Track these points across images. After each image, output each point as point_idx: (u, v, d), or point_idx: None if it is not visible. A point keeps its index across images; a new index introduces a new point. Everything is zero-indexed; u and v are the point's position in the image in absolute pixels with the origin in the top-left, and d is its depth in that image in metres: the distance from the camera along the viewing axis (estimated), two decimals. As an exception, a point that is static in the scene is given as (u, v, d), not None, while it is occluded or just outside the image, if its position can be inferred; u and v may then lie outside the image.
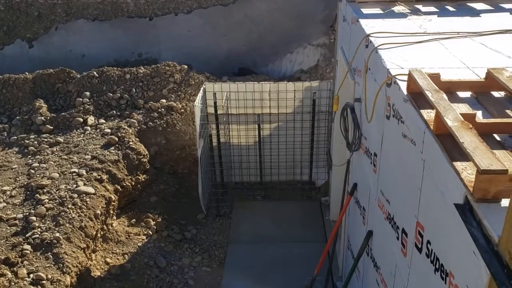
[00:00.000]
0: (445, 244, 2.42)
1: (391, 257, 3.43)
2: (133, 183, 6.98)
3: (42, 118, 7.52)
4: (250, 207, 7.90)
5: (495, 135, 2.44)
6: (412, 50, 3.81)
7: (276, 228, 7.35)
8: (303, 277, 6.16)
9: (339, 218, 5.35)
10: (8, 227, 5.57)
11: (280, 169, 7.96)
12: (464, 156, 2.20)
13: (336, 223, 5.46)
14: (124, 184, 6.75)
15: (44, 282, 4.86)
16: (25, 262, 5.06)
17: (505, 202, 1.95)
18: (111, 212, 6.44)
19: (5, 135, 7.44)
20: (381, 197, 3.76)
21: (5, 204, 5.94)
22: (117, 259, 6.14)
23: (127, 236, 6.57)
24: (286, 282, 6.24)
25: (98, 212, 5.99)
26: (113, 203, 6.41)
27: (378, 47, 3.82)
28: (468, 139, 2.17)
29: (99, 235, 6.07)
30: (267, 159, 7.90)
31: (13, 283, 4.80)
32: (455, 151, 2.32)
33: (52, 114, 7.64)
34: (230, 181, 8.10)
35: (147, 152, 7.31)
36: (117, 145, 7.02)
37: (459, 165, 2.22)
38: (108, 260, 6.05)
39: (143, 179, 7.18)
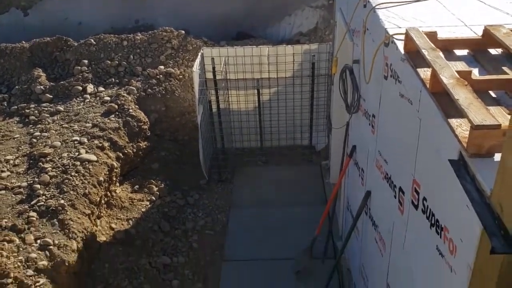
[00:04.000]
0: (440, 199, 2.47)
1: (389, 215, 3.51)
2: (134, 150, 7.04)
3: (41, 87, 7.51)
4: (251, 172, 7.98)
5: (491, 92, 2.46)
6: (410, 9, 3.77)
7: (277, 192, 7.45)
8: (305, 238, 6.30)
9: (338, 179, 5.42)
10: (13, 195, 5.66)
11: (280, 134, 8.00)
12: (459, 113, 2.22)
13: (336, 185, 5.54)
14: (126, 151, 6.81)
15: (51, 247, 4.98)
16: (32, 229, 5.17)
17: (498, 157, 1.98)
18: (114, 179, 6.53)
19: (5, 105, 7.45)
20: (379, 157, 3.80)
21: (9, 173, 6.02)
22: (122, 224, 6.27)
23: (130, 202, 6.68)
24: (287, 242, 6.38)
25: (101, 179, 6.08)
26: (115, 170, 6.49)
27: (376, 7, 3.77)
28: (463, 96, 2.19)
29: (103, 201, 6.17)
30: (267, 124, 7.93)
31: (21, 249, 4.92)
32: (450, 108, 2.33)
33: (51, 83, 7.63)
34: (230, 147, 8.15)
35: (147, 119, 7.34)
36: (117, 113, 7.04)
37: (454, 122, 2.24)
38: (113, 225, 6.17)
39: (144, 146, 7.23)
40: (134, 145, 7.04)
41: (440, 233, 2.45)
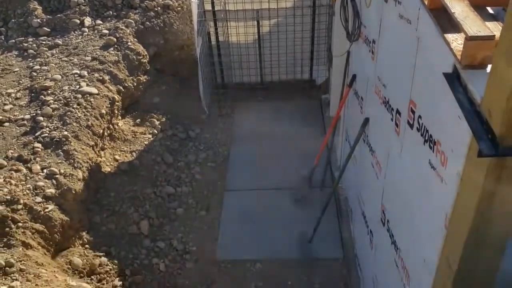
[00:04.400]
0: (434, 116, 2.54)
1: (386, 138, 3.60)
2: (135, 84, 7.05)
3: (38, 20, 7.40)
4: (251, 107, 8.04)
5: (488, 8, 2.45)
6: None
7: (277, 126, 7.54)
8: (304, 169, 6.47)
9: (338, 109, 5.48)
10: (17, 127, 5.76)
11: (281, 67, 7.96)
12: (456, 27, 2.23)
13: (335, 115, 5.61)
14: (126, 85, 6.83)
15: (57, 176, 5.14)
16: (38, 159, 5.31)
17: (490, 68, 2.03)
18: (116, 112, 6.60)
19: (3, 38, 7.38)
20: (378, 83, 3.84)
21: (11, 106, 6.08)
22: (125, 156, 6.41)
23: (133, 135, 6.79)
24: (287, 173, 6.56)
25: (103, 111, 6.15)
26: (116, 103, 6.54)
27: None
28: (460, 9, 2.20)
29: (106, 133, 6.28)
30: (267, 57, 7.87)
31: (28, 178, 5.08)
32: (447, 24, 2.35)
33: (48, 16, 7.51)
34: (230, 82, 8.15)
35: (146, 53, 7.29)
36: (116, 46, 6.99)
37: (450, 36, 2.27)
38: (116, 157, 6.32)
39: (144, 80, 7.24)
40: (134, 79, 7.05)
41: (432, 148, 2.54)
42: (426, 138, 2.64)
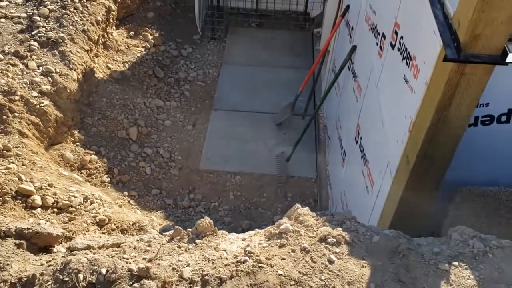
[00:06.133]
0: (413, 33, 2.83)
1: (369, 62, 3.89)
2: (131, -5, 7.09)
3: None
4: (244, 33, 8.17)
5: None
6: None
7: (268, 54, 7.74)
8: (289, 97, 6.76)
9: (329, 37, 5.71)
10: (14, 25, 5.83)
11: (277, -4, 8.04)
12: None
13: (326, 43, 5.84)
14: (123, -5, 6.86)
15: (53, 74, 5.33)
16: (34, 57, 5.45)
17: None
18: (111, 21, 6.68)
19: None
20: (369, 10, 4.08)
21: (7, 2, 6.11)
22: (118, 66, 6.58)
23: (126, 47, 6.93)
24: (273, 99, 6.86)
25: (99, 18, 6.23)
26: (112, 12, 6.61)
27: None
28: None
29: (100, 41, 6.40)
30: (264, -16, 7.92)
31: (25, 73, 5.25)
32: None
33: None
34: (226, 5, 8.20)
35: (145, -34, 7.27)
36: (115, -45, 6.94)
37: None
38: (109, 65, 6.49)
39: (141, -7, 7.27)
40: (131, -9, 7.08)
41: (408, 64, 2.85)
42: (404, 55, 2.94)
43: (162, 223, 5.04)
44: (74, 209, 4.30)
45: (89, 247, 2.06)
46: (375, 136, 3.62)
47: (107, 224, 4.37)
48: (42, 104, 5.08)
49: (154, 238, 2.20)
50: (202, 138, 6.26)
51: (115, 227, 4.43)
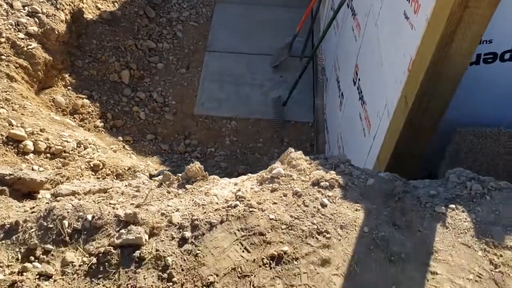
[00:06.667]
0: (417, -35, 2.64)
1: (368, -2, 3.69)
2: None
3: None
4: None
5: None
6: None
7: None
8: (286, 36, 6.52)
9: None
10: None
11: None
12: None
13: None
14: None
15: (40, 15, 5.09)
16: (18, -4, 5.20)
17: None
18: (98, -42, 6.33)
19: None
20: None
21: None
22: (108, 5, 6.30)
23: (115, -15, 6.61)
24: (269, 39, 6.63)
25: (85, -46, 5.90)
26: None
27: None
28: None
29: (87, -21, 6.10)
30: None
31: (10, 13, 5.02)
32: None
33: None
34: None
35: None
36: None
37: None
38: (98, 5, 6.21)
39: None
40: None
41: (409, 0, 2.68)
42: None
43: (158, 168, 5.00)
44: (67, 154, 4.24)
45: (74, 193, 2.01)
46: (373, 77, 3.49)
47: (101, 169, 4.32)
48: (29, 47, 4.89)
49: (143, 183, 2.15)
50: (196, 82, 6.11)
51: (110, 172, 4.39)
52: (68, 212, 1.86)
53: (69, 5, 5.46)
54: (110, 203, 1.95)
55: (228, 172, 5.27)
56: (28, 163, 4.01)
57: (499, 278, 1.87)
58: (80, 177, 4.11)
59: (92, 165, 4.26)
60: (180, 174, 2.19)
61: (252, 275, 1.78)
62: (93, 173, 4.30)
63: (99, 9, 6.17)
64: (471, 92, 2.60)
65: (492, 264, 1.90)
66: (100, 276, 1.73)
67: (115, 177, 4.38)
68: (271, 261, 1.82)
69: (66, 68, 5.36)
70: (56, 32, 5.11)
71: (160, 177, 2.19)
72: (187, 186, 2.12)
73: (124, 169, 4.42)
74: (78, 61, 5.54)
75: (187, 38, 6.57)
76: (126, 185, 2.14)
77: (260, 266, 1.81)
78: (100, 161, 4.31)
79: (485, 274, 1.88)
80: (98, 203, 1.94)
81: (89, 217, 1.86)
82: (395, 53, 2.89)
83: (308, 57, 5.87)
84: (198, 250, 1.82)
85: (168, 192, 2.06)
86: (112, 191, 2.06)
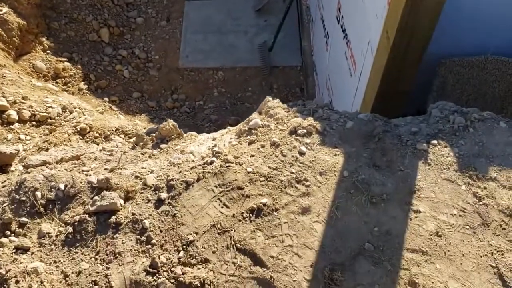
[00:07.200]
0: None
1: None
2: None
3: None
4: None
5: None
6: None
7: None
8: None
9: None
10: None
11: None
12: None
13: None
14: None
15: (6, -23, 4.86)
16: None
17: None
18: None
19: None
20: None
21: None
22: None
23: None
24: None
25: None
26: None
27: None
28: None
29: None
30: None
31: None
32: None
33: None
34: None
35: None
36: None
37: None
38: (68, -38, 5.91)
39: None
40: None
41: None
42: None
43: (146, 126, 4.94)
44: (53, 120, 4.17)
45: (45, 163, 1.95)
46: (355, 13, 3.34)
47: (89, 132, 4.26)
48: (1, 13, 4.70)
49: (117, 147, 2.09)
50: (178, 34, 5.91)
51: (97, 134, 4.33)
52: (40, 183, 1.82)
53: (37, -36, 5.20)
54: (82, 170, 1.90)
55: (219, 124, 5.20)
56: (14, 133, 3.95)
57: (483, 210, 1.84)
58: (68, 142, 4.06)
59: (79, 129, 4.19)
60: (154, 134, 2.13)
61: (232, 230, 1.76)
62: (81, 137, 4.24)
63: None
64: (455, 22, 2.48)
65: (476, 197, 1.87)
66: (77, 244, 1.72)
67: (103, 140, 4.32)
68: (250, 215, 1.79)
69: (42, 31, 5.18)
70: (26, -6, 4.90)
71: (134, 138, 2.12)
72: (161, 145, 2.07)
73: (112, 130, 4.35)
74: (54, 23, 5.35)
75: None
76: (100, 150, 2.08)
77: (240, 221, 1.78)
78: (87, 124, 4.24)
79: (469, 208, 1.85)
80: (70, 171, 1.89)
81: (62, 186, 1.82)
82: (373, -14, 2.74)
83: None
84: (176, 210, 1.79)
85: (143, 154, 2.00)
86: (85, 157, 2.01)
